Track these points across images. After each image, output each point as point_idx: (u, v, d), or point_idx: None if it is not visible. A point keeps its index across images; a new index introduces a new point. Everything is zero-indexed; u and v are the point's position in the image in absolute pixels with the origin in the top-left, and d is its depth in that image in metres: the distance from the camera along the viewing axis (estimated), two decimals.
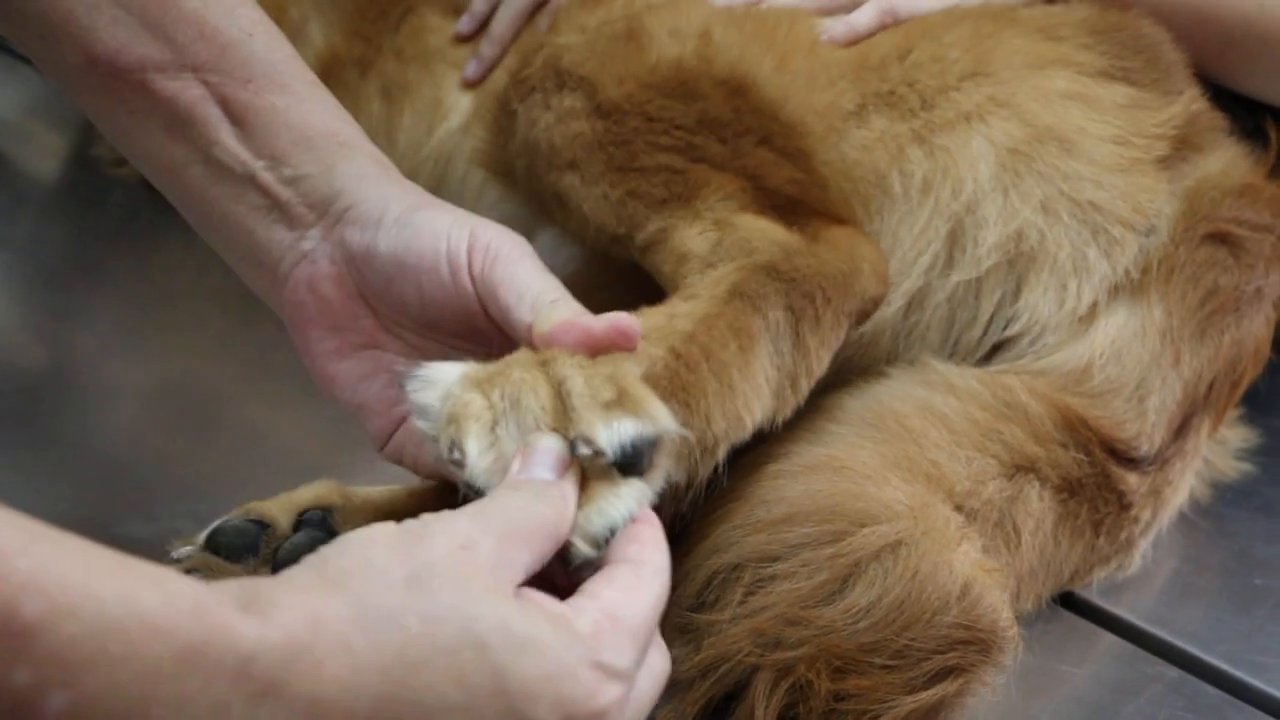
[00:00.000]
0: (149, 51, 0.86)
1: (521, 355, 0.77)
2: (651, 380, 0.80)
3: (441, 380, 0.75)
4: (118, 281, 1.30)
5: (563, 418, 0.72)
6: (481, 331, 0.85)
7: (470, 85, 1.22)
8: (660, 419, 0.73)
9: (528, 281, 0.82)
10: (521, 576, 0.67)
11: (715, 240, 0.94)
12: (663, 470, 0.74)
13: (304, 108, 0.88)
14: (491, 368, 0.76)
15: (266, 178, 0.87)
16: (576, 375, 0.74)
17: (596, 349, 0.78)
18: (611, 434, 0.72)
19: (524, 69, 1.07)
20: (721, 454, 0.84)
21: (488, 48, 1.22)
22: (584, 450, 0.71)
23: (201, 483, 1.00)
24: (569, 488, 0.72)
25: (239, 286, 0.92)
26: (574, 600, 0.68)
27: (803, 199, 0.97)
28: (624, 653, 0.67)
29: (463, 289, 0.83)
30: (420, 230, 0.84)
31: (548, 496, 0.71)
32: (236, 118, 0.87)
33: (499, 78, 1.17)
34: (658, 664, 0.70)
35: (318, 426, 1.06)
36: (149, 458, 1.05)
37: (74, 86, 0.89)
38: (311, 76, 0.90)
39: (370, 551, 0.65)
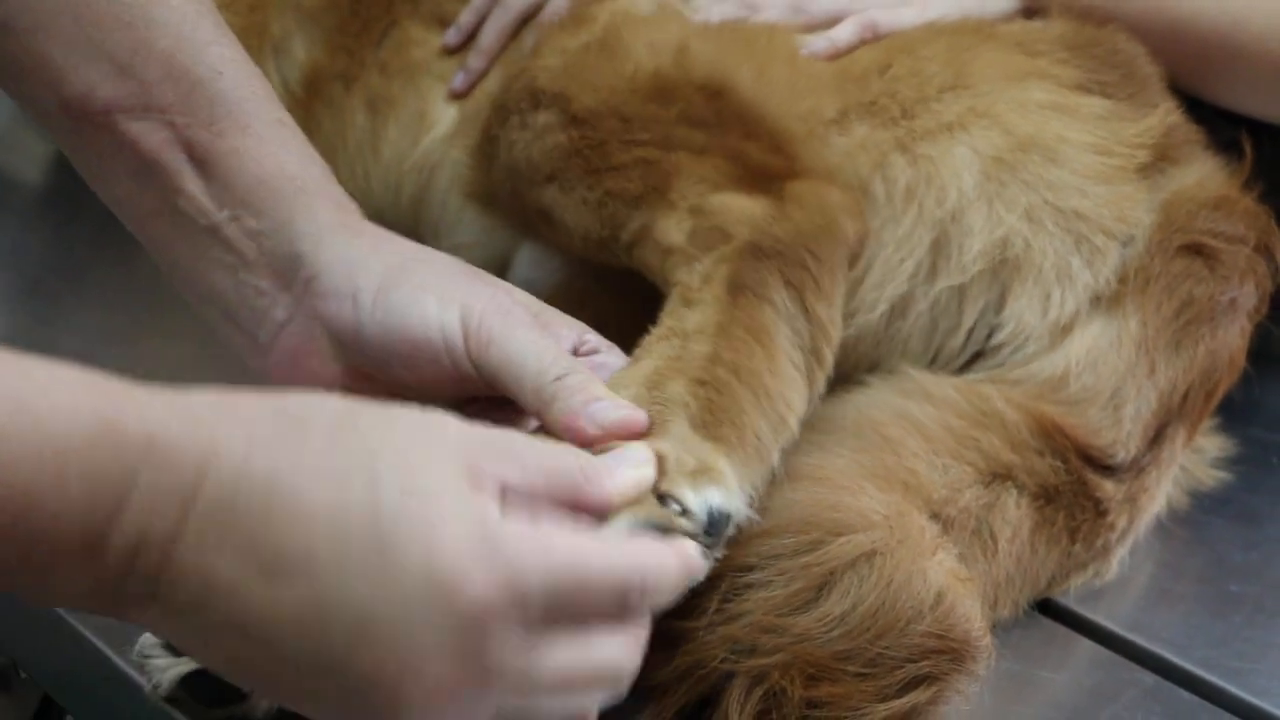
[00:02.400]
0: (117, 93, 0.85)
1: None
2: (695, 421, 0.81)
3: None
4: (102, 287, 1.30)
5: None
6: (486, 396, 0.84)
7: (457, 96, 1.22)
8: (737, 498, 0.78)
9: (523, 363, 0.80)
10: (484, 474, 0.66)
11: (690, 229, 0.94)
12: (720, 548, 0.78)
13: (263, 150, 0.86)
14: None
15: (231, 231, 0.86)
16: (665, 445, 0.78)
17: (597, 445, 0.78)
18: (700, 500, 0.77)
19: (504, 94, 1.07)
20: (776, 458, 0.85)
21: (475, 59, 1.22)
22: (674, 509, 0.75)
23: None
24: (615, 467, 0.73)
25: None
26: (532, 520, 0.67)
27: (779, 172, 0.97)
28: (538, 579, 0.64)
29: (465, 373, 0.82)
30: (407, 317, 0.82)
31: (581, 454, 0.71)
32: (200, 163, 0.86)
33: (483, 100, 1.18)
34: (604, 653, 0.68)
35: None
36: None
37: (53, 128, 0.89)
38: (278, 115, 0.89)
39: (332, 396, 0.68)
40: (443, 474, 0.65)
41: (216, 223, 0.86)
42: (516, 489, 0.67)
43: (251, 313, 0.86)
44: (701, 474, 0.78)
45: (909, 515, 0.86)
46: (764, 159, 0.97)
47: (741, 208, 0.93)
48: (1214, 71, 1.15)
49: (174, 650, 0.78)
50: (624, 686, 0.70)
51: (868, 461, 0.90)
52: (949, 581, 0.83)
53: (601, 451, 0.77)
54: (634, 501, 0.75)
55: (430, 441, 0.67)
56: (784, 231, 0.91)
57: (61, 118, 0.87)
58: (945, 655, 0.81)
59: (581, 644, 0.67)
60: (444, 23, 1.26)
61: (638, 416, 0.79)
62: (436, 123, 1.22)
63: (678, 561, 0.70)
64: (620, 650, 0.69)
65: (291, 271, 0.85)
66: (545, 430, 0.80)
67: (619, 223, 0.98)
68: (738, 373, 0.84)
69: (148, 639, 0.79)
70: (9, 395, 0.61)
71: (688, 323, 0.87)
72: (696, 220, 0.94)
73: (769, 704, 0.79)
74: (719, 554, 0.79)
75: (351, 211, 0.88)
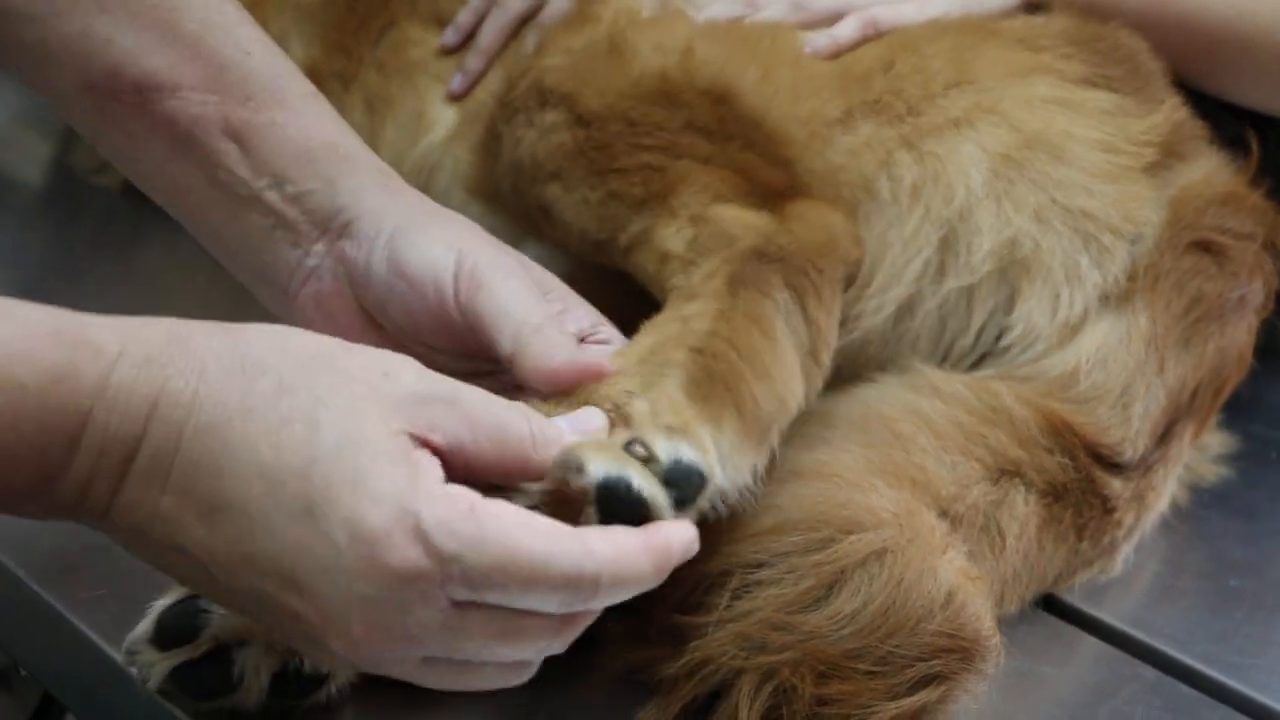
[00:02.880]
0: (147, 74, 0.86)
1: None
2: (689, 381, 0.81)
3: None
4: (101, 286, 1.30)
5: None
6: (474, 350, 0.84)
7: (456, 98, 1.22)
8: (715, 462, 0.77)
9: (508, 309, 0.81)
10: (431, 436, 0.68)
11: (691, 237, 0.94)
12: (693, 511, 0.76)
13: (303, 122, 0.88)
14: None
15: (270, 196, 0.87)
16: (643, 401, 0.78)
17: (566, 388, 0.79)
18: (670, 447, 0.75)
19: (509, 92, 1.07)
20: (775, 440, 0.84)
21: (473, 60, 1.22)
22: (638, 450, 0.73)
23: None
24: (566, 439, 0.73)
25: (222, 290, 0.92)
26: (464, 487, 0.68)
27: (781, 188, 0.97)
28: (463, 553, 0.65)
29: (451, 316, 0.83)
30: (409, 254, 0.84)
31: (532, 415, 0.71)
32: (237, 137, 0.87)
33: (484, 99, 1.17)
34: (529, 634, 0.69)
35: None
36: None
37: (73, 111, 0.89)
38: (310, 89, 0.90)
39: (294, 335, 0.69)
40: (385, 431, 0.67)
41: (257, 191, 0.87)
42: (464, 451, 0.68)
43: (285, 265, 0.88)
44: (677, 431, 0.76)
45: (919, 513, 0.86)
46: (767, 173, 0.97)
47: (744, 218, 0.94)
48: (1221, 65, 1.15)
49: (162, 646, 0.78)
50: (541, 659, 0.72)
51: (877, 458, 0.90)
52: (959, 580, 0.83)
53: (556, 414, 0.77)
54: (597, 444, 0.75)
55: (380, 394, 0.68)
56: (788, 242, 0.91)
57: (86, 100, 0.87)
58: (956, 654, 0.81)
59: (504, 620, 0.68)
60: (442, 22, 1.26)
61: (605, 362, 0.80)
62: (435, 123, 1.22)
63: (649, 559, 0.70)
64: (548, 633, 0.69)
65: (330, 221, 0.87)
66: (516, 378, 0.80)
67: (618, 225, 0.98)
68: (736, 347, 0.84)
69: (136, 636, 0.79)
70: None
71: (687, 310, 0.88)
72: (697, 229, 0.94)
73: (779, 700, 0.79)
74: (692, 516, 0.76)
75: (392, 175, 0.90)
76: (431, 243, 0.84)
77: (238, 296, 0.96)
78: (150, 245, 1.34)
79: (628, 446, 0.74)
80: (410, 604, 0.65)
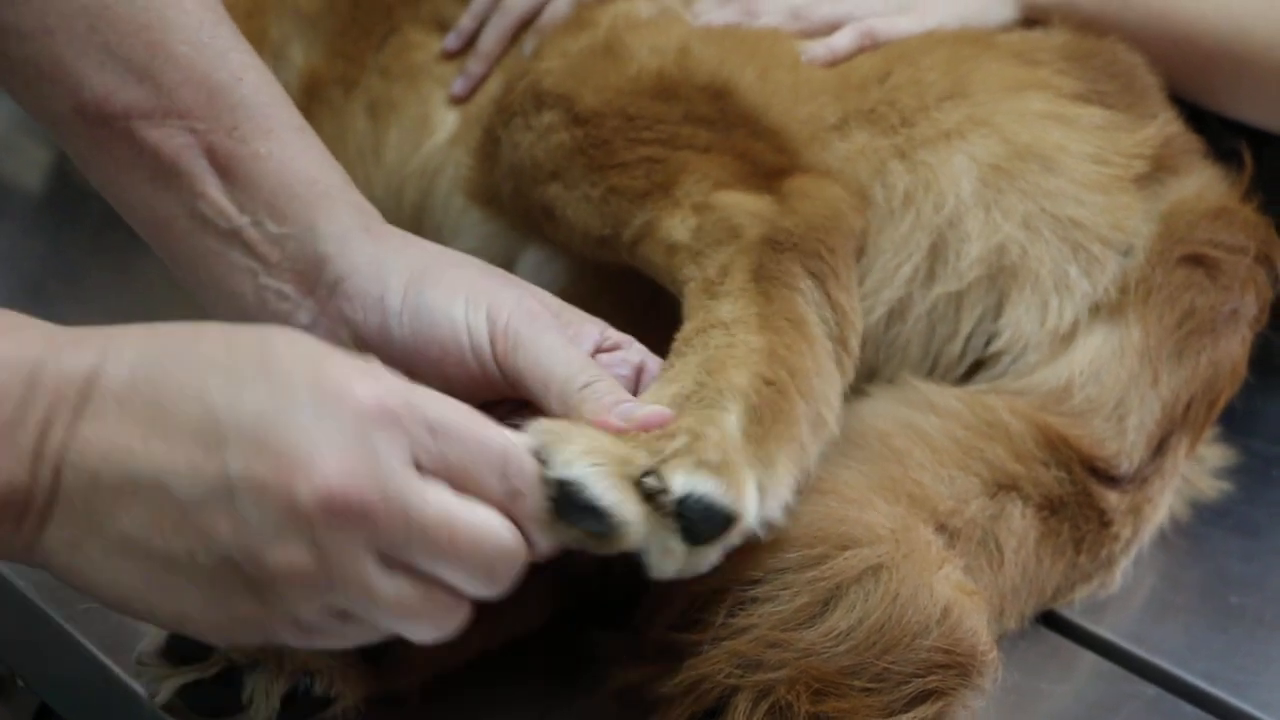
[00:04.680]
0: (135, 98, 0.85)
1: None
2: (753, 415, 0.80)
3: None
4: (99, 294, 1.30)
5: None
6: (509, 397, 0.83)
7: (458, 101, 1.22)
8: (745, 500, 0.76)
9: (550, 368, 0.81)
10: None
11: (695, 226, 0.94)
12: (717, 552, 0.76)
13: (287, 154, 0.87)
14: None
15: (253, 234, 0.86)
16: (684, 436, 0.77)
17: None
18: (687, 482, 0.74)
19: (506, 96, 1.07)
20: (813, 465, 0.84)
21: (475, 64, 1.22)
22: (651, 483, 0.73)
23: None
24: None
25: None
26: None
27: (783, 168, 0.97)
28: (423, 404, 0.67)
29: (491, 376, 0.82)
30: (436, 320, 0.83)
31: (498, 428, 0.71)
32: (222, 168, 0.86)
33: (484, 103, 1.17)
34: (477, 521, 0.68)
35: None
36: None
37: (63, 134, 0.89)
38: (299, 121, 0.89)
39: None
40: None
41: (238, 227, 0.86)
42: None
43: (272, 318, 0.86)
44: (710, 467, 0.75)
45: (915, 528, 0.86)
46: (770, 158, 0.97)
47: (746, 204, 0.94)
48: (1217, 80, 1.15)
49: (172, 661, 0.79)
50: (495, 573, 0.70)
51: (874, 473, 0.90)
52: (955, 595, 0.83)
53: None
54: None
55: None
56: (794, 224, 0.91)
57: (75, 123, 0.87)
58: (952, 670, 0.81)
59: (460, 503, 0.68)
60: (444, 26, 1.26)
61: (664, 413, 0.79)
62: (438, 127, 1.22)
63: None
64: (499, 525, 0.69)
65: (315, 274, 0.86)
66: None
67: (622, 220, 0.98)
68: (794, 374, 0.84)
69: (146, 647, 0.79)
70: None
71: (722, 313, 0.87)
72: (701, 217, 0.94)
73: (775, 718, 0.78)
74: (715, 554, 0.76)
75: (373, 216, 0.89)
76: (451, 301, 0.83)
77: None
78: (148, 252, 1.32)
79: (643, 475, 0.74)
80: (378, 437, 0.66)
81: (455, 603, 0.69)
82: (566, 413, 0.78)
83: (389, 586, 0.67)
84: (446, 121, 1.22)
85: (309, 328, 0.85)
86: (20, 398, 0.67)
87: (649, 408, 0.78)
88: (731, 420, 0.79)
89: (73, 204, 1.44)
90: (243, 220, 0.86)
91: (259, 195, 0.86)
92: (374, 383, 0.67)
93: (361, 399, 0.66)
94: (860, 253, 0.96)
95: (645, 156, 0.98)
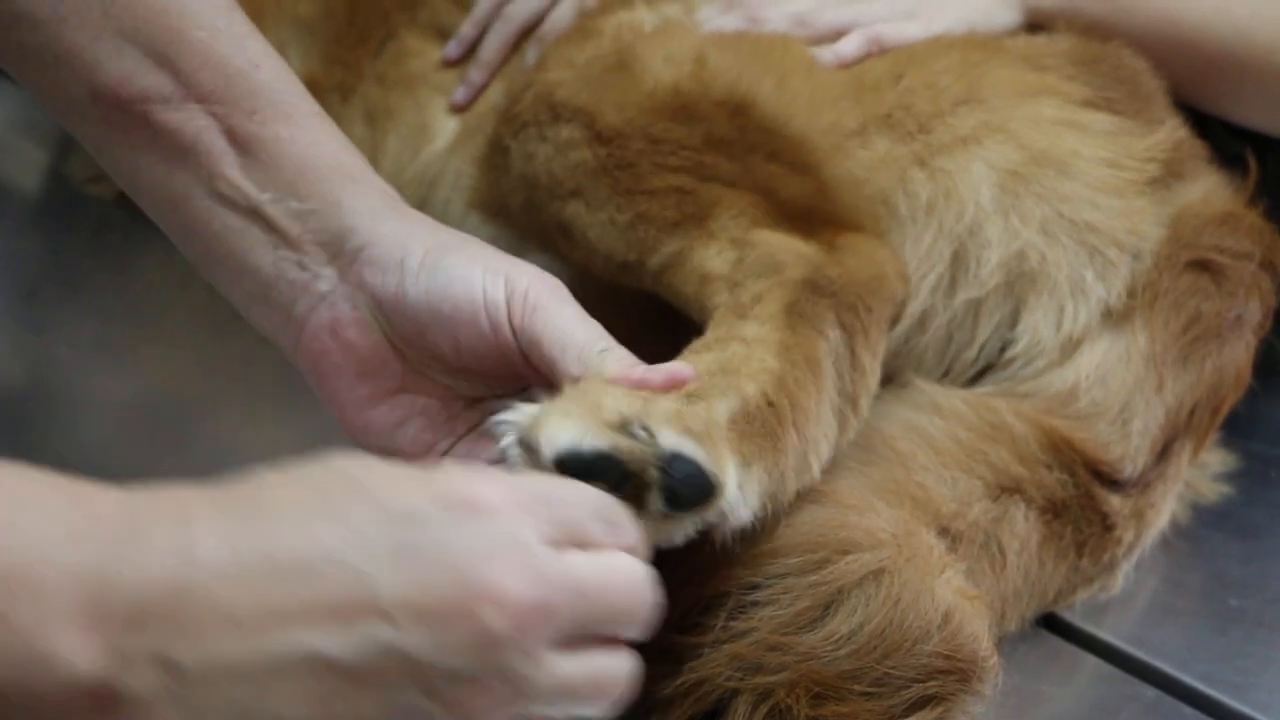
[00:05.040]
0: (153, 83, 0.85)
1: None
2: (744, 417, 0.80)
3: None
4: (97, 296, 1.30)
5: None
6: (518, 374, 0.84)
7: (458, 110, 1.22)
8: (727, 475, 0.75)
9: (571, 332, 0.81)
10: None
11: (735, 259, 0.93)
12: (691, 525, 0.75)
13: (309, 138, 0.86)
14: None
15: (273, 211, 0.85)
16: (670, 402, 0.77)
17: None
18: (676, 440, 0.73)
19: (514, 106, 1.06)
20: (788, 502, 0.83)
21: (476, 73, 1.22)
22: (639, 432, 0.72)
23: None
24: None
25: (218, 300, 0.91)
26: None
27: (814, 209, 0.97)
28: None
29: (504, 340, 0.82)
30: (452, 280, 0.83)
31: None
32: (242, 149, 0.86)
33: (484, 111, 1.17)
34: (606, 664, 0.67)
35: (296, 440, 1.06)
36: (128, 471, 1.02)
37: (77, 120, 0.88)
38: (316, 108, 0.89)
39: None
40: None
41: (258, 204, 0.86)
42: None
43: (289, 286, 0.86)
44: (696, 435, 0.74)
45: (917, 533, 0.86)
46: (793, 186, 0.97)
47: (792, 245, 0.93)
48: (1221, 85, 1.15)
49: None
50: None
51: (876, 476, 0.90)
52: (957, 600, 0.83)
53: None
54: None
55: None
56: (838, 275, 0.91)
57: (90, 109, 0.86)
58: (953, 675, 0.81)
59: (599, 560, 0.67)
60: (442, 34, 1.26)
61: (687, 370, 0.80)
62: (437, 134, 1.22)
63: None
64: (621, 662, 0.68)
65: (338, 244, 0.85)
66: None
67: (649, 247, 0.97)
68: (795, 407, 0.83)
69: None
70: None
71: (746, 332, 0.86)
72: (741, 251, 0.93)
73: None
74: (693, 523, 0.76)
75: (397, 198, 0.89)
76: (469, 266, 0.83)
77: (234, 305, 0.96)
78: (146, 254, 1.34)
79: (625, 425, 0.73)
80: (524, 538, 0.64)
81: (624, 655, 0.68)
82: (585, 372, 0.79)
83: (572, 668, 0.65)
84: (445, 129, 1.22)
85: (327, 294, 0.85)
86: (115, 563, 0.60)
87: (671, 364, 0.79)
88: (722, 409, 0.79)
89: (70, 206, 1.44)
90: (263, 197, 0.85)
91: (281, 175, 0.85)
92: (488, 478, 0.64)
93: (490, 498, 0.63)
94: (896, 321, 0.95)
95: (675, 186, 0.97)
